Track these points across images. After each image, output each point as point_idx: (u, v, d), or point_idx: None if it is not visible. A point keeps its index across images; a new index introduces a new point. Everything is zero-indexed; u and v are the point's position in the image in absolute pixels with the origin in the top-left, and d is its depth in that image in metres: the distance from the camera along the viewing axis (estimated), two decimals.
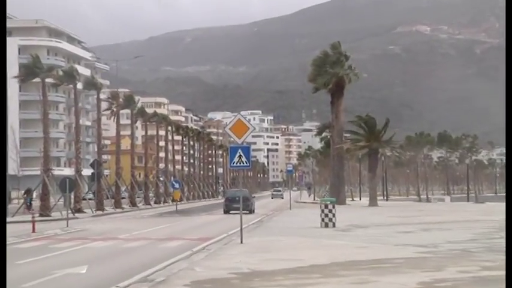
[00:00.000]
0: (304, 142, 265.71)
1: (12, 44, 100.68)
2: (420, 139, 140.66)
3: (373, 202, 62.92)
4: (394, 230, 28.63)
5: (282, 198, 63.51)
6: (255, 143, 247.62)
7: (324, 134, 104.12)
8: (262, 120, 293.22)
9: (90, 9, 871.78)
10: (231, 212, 49.67)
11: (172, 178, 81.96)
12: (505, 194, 27.25)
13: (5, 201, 56.13)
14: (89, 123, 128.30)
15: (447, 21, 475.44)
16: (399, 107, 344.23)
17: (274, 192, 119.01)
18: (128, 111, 74.54)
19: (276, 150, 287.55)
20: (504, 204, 32.88)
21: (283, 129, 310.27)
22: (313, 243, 22.53)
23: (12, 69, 58.25)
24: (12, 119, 71.21)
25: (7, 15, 60.67)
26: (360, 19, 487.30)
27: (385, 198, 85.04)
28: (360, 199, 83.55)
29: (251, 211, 50.23)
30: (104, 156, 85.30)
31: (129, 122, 75.50)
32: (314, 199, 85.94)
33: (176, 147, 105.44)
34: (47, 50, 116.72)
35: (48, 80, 52.65)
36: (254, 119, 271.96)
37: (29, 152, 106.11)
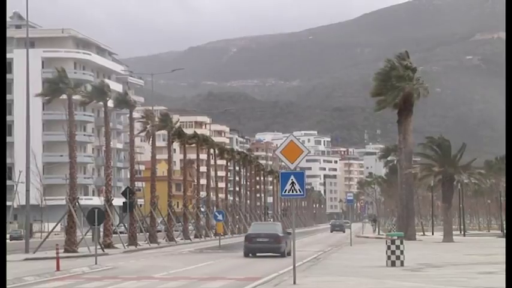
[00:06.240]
0: (367, 167, 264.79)
1: (35, 56, 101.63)
2: (503, 164, 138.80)
3: (448, 237, 62.28)
4: (473, 270, 28.29)
5: (351, 229, 68.91)
6: (310, 168, 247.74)
7: (389, 158, 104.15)
8: (318, 142, 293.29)
9: (121, 18, 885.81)
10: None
11: (214, 208, 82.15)
12: None
13: (5, 204, 57.05)
14: (120, 145, 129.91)
15: None
16: (478, 127, 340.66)
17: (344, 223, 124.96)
18: (164, 132, 75.24)
19: (334, 176, 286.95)
20: None
21: (343, 153, 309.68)
22: (377, 285, 22.35)
23: (35, 84, 59.27)
24: (34, 141, 72.39)
25: (29, 23, 61.93)
26: (432, 25, 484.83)
27: (462, 232, 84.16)
28: (433, 234, 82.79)
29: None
30: (138, 184, 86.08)
31: (165, 144, 76.12)
32: (378, 233, 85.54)
33: (219, 173, 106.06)
34: (73, 63, 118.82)
35: (75, 97, 53.37)
36: (309, 140, 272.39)
37: (52, 178, 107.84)
